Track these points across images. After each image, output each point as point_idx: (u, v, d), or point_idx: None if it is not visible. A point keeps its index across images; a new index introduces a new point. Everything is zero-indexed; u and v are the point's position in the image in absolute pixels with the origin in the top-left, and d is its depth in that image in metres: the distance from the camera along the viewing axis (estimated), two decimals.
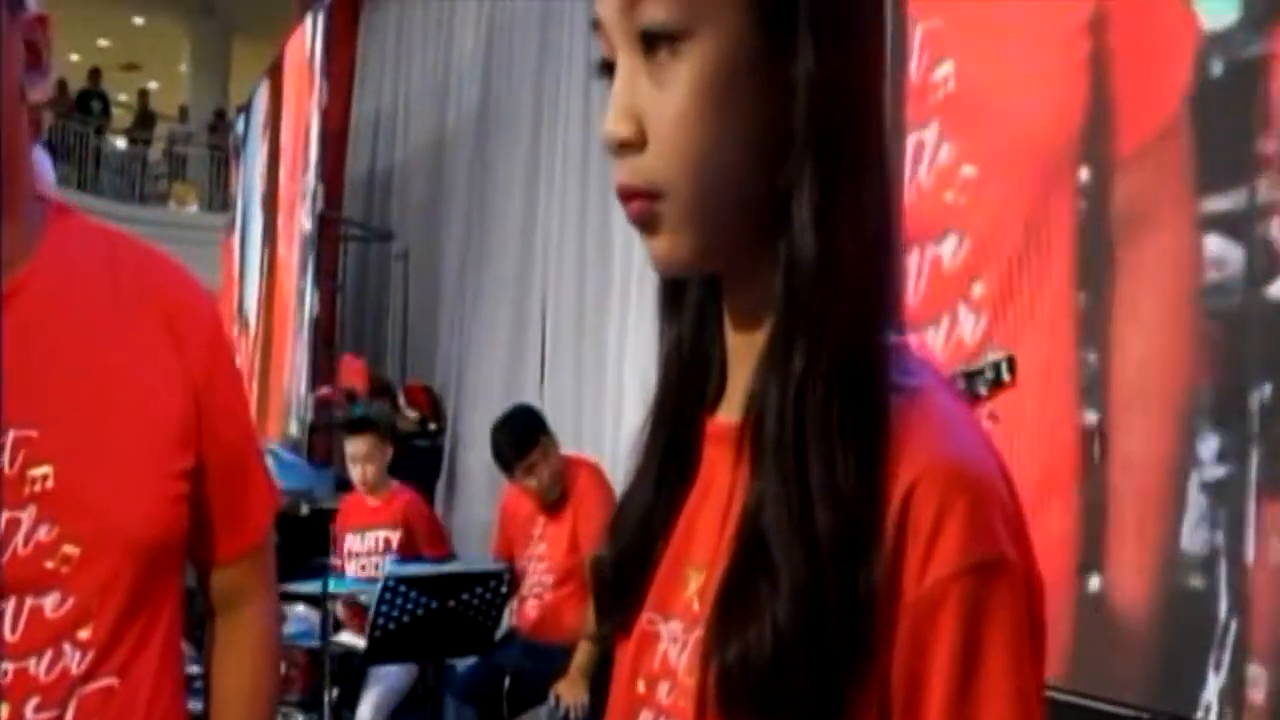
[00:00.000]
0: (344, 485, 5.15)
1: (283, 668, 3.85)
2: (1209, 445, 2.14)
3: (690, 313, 0.79)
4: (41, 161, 1.22)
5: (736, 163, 0.70)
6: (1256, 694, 2.01)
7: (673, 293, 0.79)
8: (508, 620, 3.93)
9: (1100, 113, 2.43)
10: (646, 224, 0.71)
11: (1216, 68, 2.19)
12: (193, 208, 16.21)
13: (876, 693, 0.64)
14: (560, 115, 5.33)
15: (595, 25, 0.72)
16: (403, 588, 3.39)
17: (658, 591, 0.76)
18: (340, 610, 4.05)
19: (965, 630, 0.63)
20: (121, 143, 16.97)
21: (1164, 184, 2.27)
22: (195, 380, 1.19)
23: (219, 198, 15.66)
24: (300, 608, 4.23)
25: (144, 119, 17.43)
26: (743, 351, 0.74)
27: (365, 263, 7.89)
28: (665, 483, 0.78)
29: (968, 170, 2.80)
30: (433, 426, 5.63)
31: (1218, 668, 2.06)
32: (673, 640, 0.74)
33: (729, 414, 0.75)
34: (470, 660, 3.85)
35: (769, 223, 0.70)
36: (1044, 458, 2.50)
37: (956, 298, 2.79)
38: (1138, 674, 2.27)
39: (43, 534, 1.09)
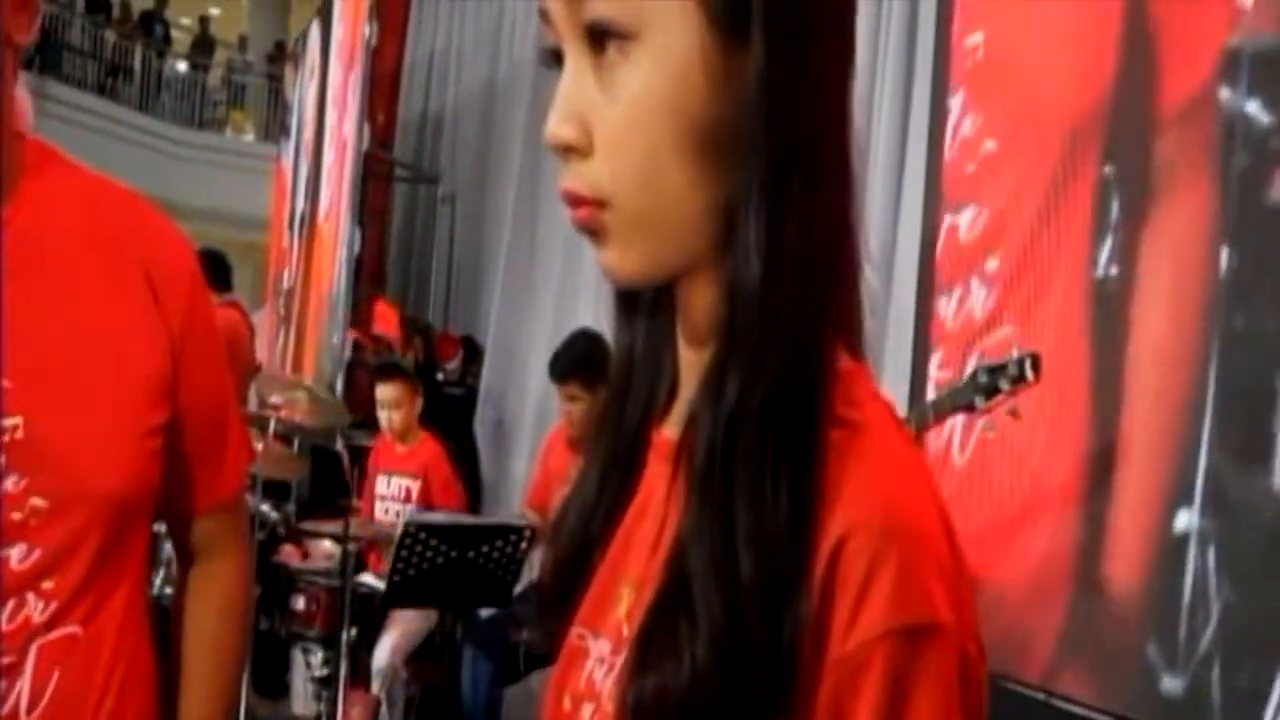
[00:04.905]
0: (362, 425, 5.19)
1: (302, 603, 3.96)
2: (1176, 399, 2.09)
3: (644, 319, 0.76)
4: (22, 101, 1.19)
5: (686, 174, 0.66)
6: None
7: (628, 297, 0.77)
8: (530, 575, 3.96)
9: (1130, 83, 2.38)
10: (592, 233, 0.67)
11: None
12: (249, 136, 16.32)
13: None
14: None
15: (543, 15, 0.68)
16: (423, 535, 3.42)
17: (590, 605, 0.75)
18: (366, 549, 4.11)
19: (888, 698, 0.60)
20: (182, 66, 17.08)
21: (1195, 146, 2.21)
22: (172, 331, 1.18)
23: (276, 127, 15.75)
24: (326, 544, 4.30)
25: (204, 44, 17.52)
26: (692, 366, 0.72)
27: (413, 204, 7.91)
28: (608, 490, 0.77)
29: (989, 144, 2.77)
30: (449, 378, 5.61)
31: None
32: (599, 661, 0.72)
33: (673, 428, 0.73)
34: (491, 610, 3.90)
35: (721, 237, 0.66)
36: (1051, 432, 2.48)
37: (970, 269, 2.77)
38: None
39: (10, 485, 1.08)
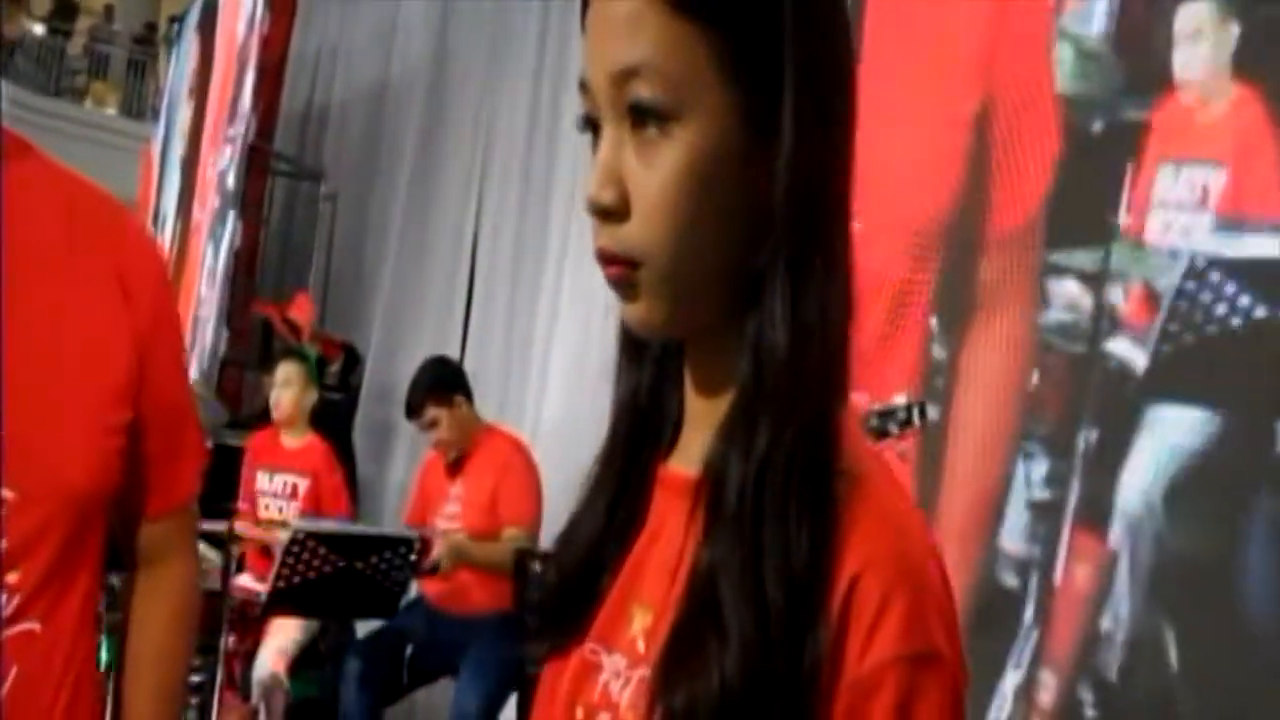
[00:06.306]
0: (231, 424, 5.09)
1: None
2: (1040, 468, 2.40)
3: (650, 365, 0.83)
4: None
5: (714, 241, 0.74)
6: (1045, 696, 2.27)
7: (636, 344, 0.84)
8: (416, 586, 3.95)
9: (973, 200, 2.68)
10: (624, 289, 0.75)
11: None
12: (111, 110, 15.69)
13: None
14: (508, 81, 5.30)
15: (583, 86, 0.75)
16: (311, 543, 3.38)
17: (602, 624, 0.81)
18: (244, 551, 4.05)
19: (898, 714, 0.68)
20: (39, 29, 16.32)
21: (1018, 268, 2.56)
22: (141, 332, 1.19)
23: (138, 103, 15.22)
24: (201, 547, 4.19)
25: (65, 9, 16.78)
26: (701, 411, 0.79)
27: (293, 200, 7.76)
28: (615, 520, 0.82)
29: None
30: (329, 381, 5.57)
31: (1018, 665, 2.31)
32: (615, 674, 0.78)
33: (683, 465, 0.80)
34: (375, 623, 3.87)
35: (740, 298, 0.74)
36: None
37: None
38: None
39: None
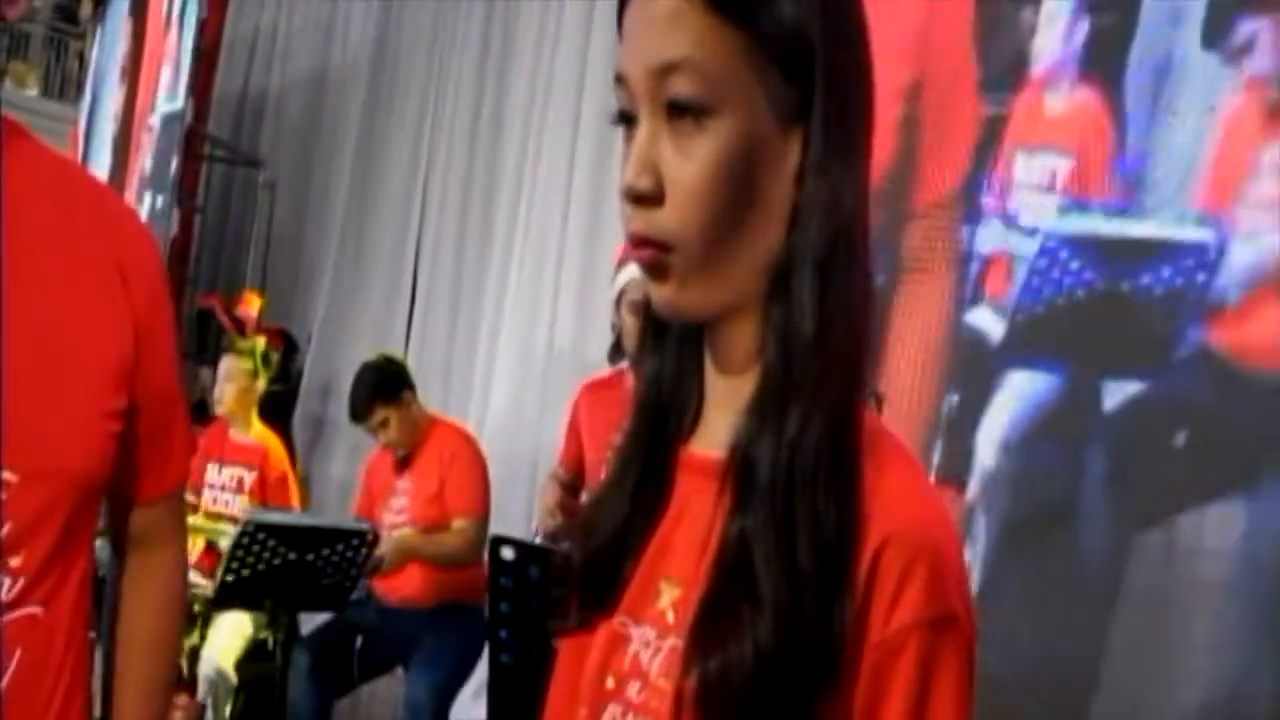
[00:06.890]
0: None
1: None
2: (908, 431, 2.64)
3: (672, 350, 0.87)
4: None
5: (743, 229, 0.78)
6: None
7: (657, 330, 0.87)
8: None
9: (901, 170, 2.84)
10: (655, 272, 0.79)
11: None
12: (32, 90, 15.27)
13: (841, 715, 0.74)
14: (453, 71, 5.28)
15: (619, 79, 0.79)
16: (262, 535, 3.34)
17: (630, 599, 0.84)
18: (192, 548, 3.99)
19: (920, 672, 0.74)
20: None
21: (940, 236, 2.75)
22: (138, 319, 1.20)
23: (57, 84, 14.86)
24: None
25: None
26: (723, 393, 0.83)
27: (228, 187, 7.63)
28: (641, 502, 0.85)
29: None
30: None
31: None
32: (644, 644, 0.82)
33: (705, 446, 0.83)
34: (321, 616, 3.85)
35: (764, 284, 0.79)
36: None
37: None
38: None
39: None
